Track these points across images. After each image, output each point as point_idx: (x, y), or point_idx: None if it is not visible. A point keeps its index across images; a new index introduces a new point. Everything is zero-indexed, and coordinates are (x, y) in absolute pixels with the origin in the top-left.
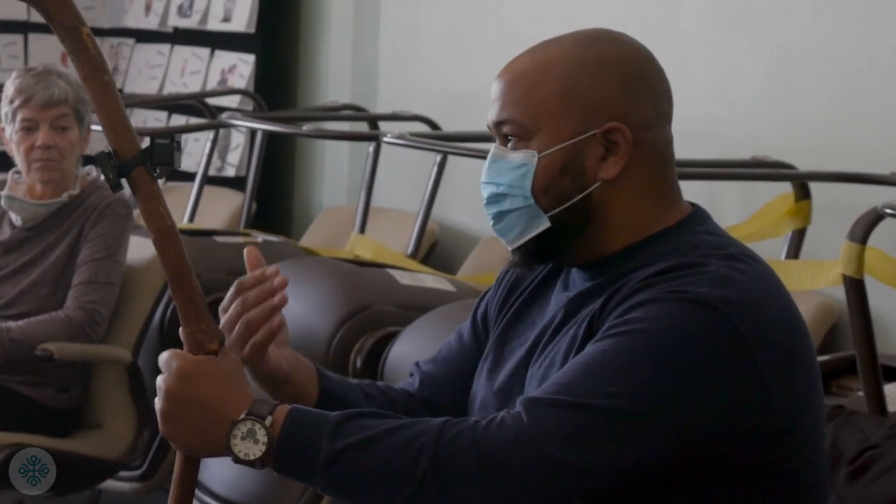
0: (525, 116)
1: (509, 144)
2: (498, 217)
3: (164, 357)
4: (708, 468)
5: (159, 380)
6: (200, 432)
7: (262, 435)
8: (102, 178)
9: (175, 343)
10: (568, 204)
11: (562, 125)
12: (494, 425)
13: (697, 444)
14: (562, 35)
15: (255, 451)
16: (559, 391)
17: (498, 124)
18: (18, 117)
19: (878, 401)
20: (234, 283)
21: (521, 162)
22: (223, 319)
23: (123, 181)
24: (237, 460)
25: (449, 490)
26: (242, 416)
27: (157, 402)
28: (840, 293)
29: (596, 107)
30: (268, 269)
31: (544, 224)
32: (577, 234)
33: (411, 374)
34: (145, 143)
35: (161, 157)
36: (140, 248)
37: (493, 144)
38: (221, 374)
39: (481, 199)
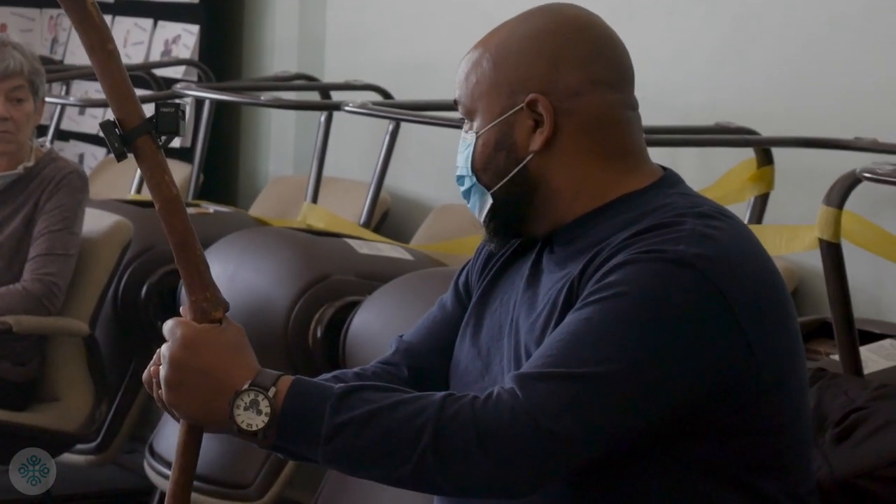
0: (466, 98)
1: (464, 126)
2: (465, 197)
3: (168, 325)
4: (694, 428)
5: (164, 348)
6: (204, 401)
7: (265, 406)
8: (58, 148)
9: (128, 315)
10: (506, 179)
11: (493, 104)
12: (492, 401)
13: (686, 401)
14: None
15: (258, 421)
16: (548, 363)
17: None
18: None
19: (855, 364)
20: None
21: (467, 143)
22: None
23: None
24: (240, 430)
25: (449, 465)
26: (246, 386)
27: (162, 370)
28: (801, 258)
29: (519, 82)
30: None
31: (489, 201)
32: (523, 206)
33: (392, 347)
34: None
35: (166, 125)
36: (95, 220)
37: None
38: (226, 343)
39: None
